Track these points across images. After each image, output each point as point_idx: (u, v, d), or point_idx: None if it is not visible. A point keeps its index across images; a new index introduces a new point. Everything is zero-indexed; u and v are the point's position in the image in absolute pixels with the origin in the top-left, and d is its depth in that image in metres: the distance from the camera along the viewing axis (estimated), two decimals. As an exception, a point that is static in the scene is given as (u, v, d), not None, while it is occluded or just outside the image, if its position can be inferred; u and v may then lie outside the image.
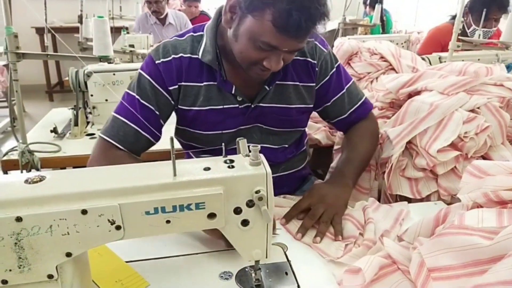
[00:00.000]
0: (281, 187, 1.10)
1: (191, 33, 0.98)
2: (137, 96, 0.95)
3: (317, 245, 0.83)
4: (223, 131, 1.00)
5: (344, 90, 1.08)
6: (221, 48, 0.95)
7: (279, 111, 1.02)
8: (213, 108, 0.98)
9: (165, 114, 0.98)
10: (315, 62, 1.02)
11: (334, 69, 1.06)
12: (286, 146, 1.10)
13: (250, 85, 0.98)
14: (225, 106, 0.98)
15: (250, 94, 0.99)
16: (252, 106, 0.99)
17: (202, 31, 0.98)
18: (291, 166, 1.15)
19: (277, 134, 1.07)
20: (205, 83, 0.96)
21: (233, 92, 0.96)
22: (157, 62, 0.95)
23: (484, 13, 1.91)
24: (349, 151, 1.08)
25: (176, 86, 0.96)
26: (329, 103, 1.08)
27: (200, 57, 0.94)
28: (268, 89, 0.98)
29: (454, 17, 2.43)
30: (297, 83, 1.01)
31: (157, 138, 0.99)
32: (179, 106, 0.98)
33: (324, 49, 1.04)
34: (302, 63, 1.01)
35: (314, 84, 1.04)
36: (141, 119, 0.94)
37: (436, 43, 2.36)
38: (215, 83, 0.96)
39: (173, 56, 0.95)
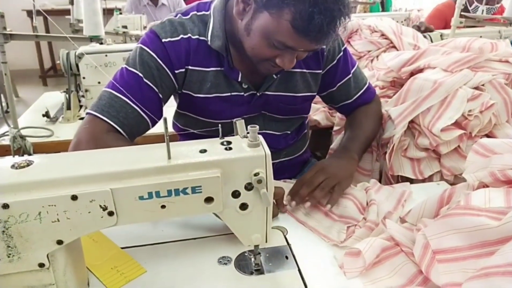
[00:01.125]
0: (282, 173, 1.08)
1: (195, 12, 0.91)
2: (140, 74, 0.86)
3: (318, 229, 0.81)
4: (227, 120, 0.94)
5: (351, 75, 1.05)
6: (229, 33, 0.89)
7: (284, 99, 0.99)
8: (219, 95, 0.93)
9: (166, 97, 0.91)
10: (324, 46, 0.96)
11: (341, 53, 1.02)
12: (289, 132, 1.08)
13: (257, 72, 0.92)
14: (231, 94, 0.94)
15: (256, 81, 0.95)
16: (258, 94, 0.96)
17: (207, 10, 0.91)
18: (293, 152, 1.12)
19: (281, 121, 1.04)
20: (212, 68, 0.91)
21: (239, 79, 0.92)
22: (164, 40, 0.87)
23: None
24: (354, 128, 1.06)
25: (183, 70, 0.89)
26: (334, 88, 1.05)
27: (209, 42, 0.88)
28: (275, 77, 0.95)
29: None
30: (304, 70, 0.98)
31: (154, 123, 0.91)
32: (183, 91, 0.92)
33: None
34: None
35: (320, 71, 1.00)
36: (143, 100, 0.86)
37: (441, 18, 2.31)
38: (222, 69, 0.91)
39: (181, 36, 0.88)
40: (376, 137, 1.14)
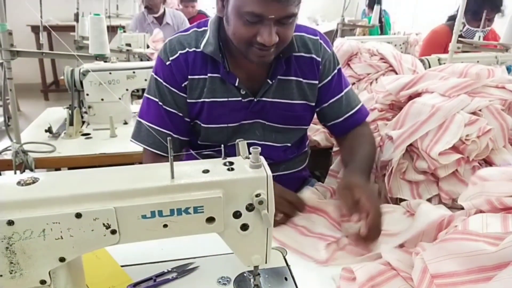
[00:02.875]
0: None
1: (195, 29, 0.99)
2: (160, 102, 0.98)
3: (300, 249, 0.82)
4: (225, 125, 1.00)
5: (343, 93, 1.07)
6: (224, 40, 0.95)
7: (281, 106, 1.01)
8: (217, 100, 0.98)
9: (186, 111, 1.00)
10: (320, 59, 1.01)
11: (336, 71, 1.05)
12: (289, 145, 1.09)
13: (254, 78, 0.98)
14: (228, 99, 0.98)
15: (253, 87, 0.99)
16: (255, 100, 0.99)
17: (206, 26, 0.98)
18: (292, 166, 1.14)
19: (280, 131, 1.06)
20: (209, 74, 0.96)
21: (236, 84, 0.96)
22: (167, 63, 0.96)
23: (484, 14, 1.91)
24: (355, 154, 1.03)
25: (187, 81, 0.97)
26: (326, 104, 1.07)
27: (201, 48, 0.95)
28: (270, 83, 0.98)
29: (450, 19, 2.43)
30: (301, 79, 1.01)
31: (189, 135, 1.04)
32: (188, 100, 0.99)
33: (329, 49, 1.04)
34: (307, 60, 1.00)
35: (317, 82, 1.03)
36: (169, 124, 0.98)
37: (438, 45, 2.35)
38: (219, 75, 0.96)
39: (179, 52, 0.96)
40: (375, 160, 1.14)
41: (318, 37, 1.02)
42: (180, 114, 0.99)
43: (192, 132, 1.07)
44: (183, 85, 0.97)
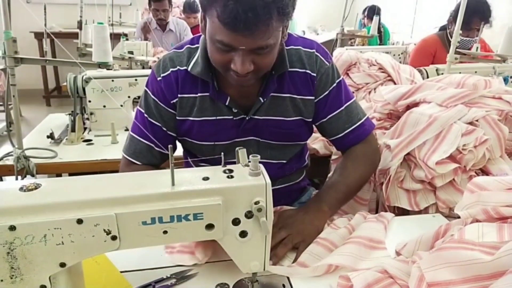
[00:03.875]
0: (277, 200, 1.04)
1: (189, 45, 0.98)
2: (145, 114, 0.98)
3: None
4: (217, 143, 0.99)
5: (343, 108, 1.01)
6: None
7: (275, 123, 0.99)
8: (207, 119, 0.97)
9: (173, 127, 1.00)
10: (315, 74, 0.97)
11: (335, 84, 1.00)
12: (285, 161, 1.07)
13: (245, 96, 0.95)
14: (218, 118, 0.96)
15: (245, 105, 0.97)
16: (247, 118, 0.97)
17: (199, 42, 0.96)
18: (289, 180, 1.12)
19: (276, 148, 1.03)
20: (199, 94, 0.95)
21: (227, 103, 0.95)
22: (158, 78, 0.96)
23: (482, 25, 1.93)
24: (338, 175, 1.02)
25: (177, 99, 0.96)
26: (325, 119, 1.02)
27: (189, 69, 0.94)
28: (262, 101, 0.95)
29: (441, 29, 2.47)
30: (294, 95, 0.97)
31: (172, 149, 0.99)
32: (177, 117, 0.98)
33: (326, 62, 0.98)
34: (301, 75, 0.96)
35: (313, 98, 0.99)
36: (151, 136, 0.97)
37: (428, 54, 2.38)
38: (208, 94, 0.95)
39: (171, 69, 0.96)
40: (367, 180, 1.08)
41: (314, 50, 0.97)
42: (164, 129, 0.98)
43: (185, 148, 1.08)
44: (172, 102, 0.96)
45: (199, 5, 0.83)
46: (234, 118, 0.97)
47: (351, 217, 0.95)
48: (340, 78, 1.02)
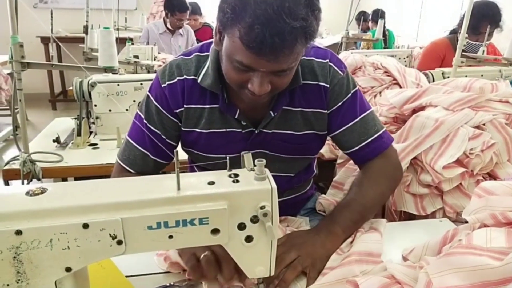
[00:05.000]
0: (285, 210, 0.98)
1: (198, 53, 0.94)
2: (145, 120, 0.95)
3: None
4: (225, 155, 0.95)
5: (358, 119, 0.95)
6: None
7: (284, 137, 0.95)
8: (215, 131, 0.94)
9: (173, 136, 0.96)
10: (328, 85, 0.92)
11: (350, 95, 0.94)
12: (293, 175, 1.04)
13: (256, 109, 0.92)
14: (227, 130, 0.94)
15: (255, 118, 0.94)
16: (256, 131, 0.94)
17: (209, 50, 0.93)
18: (296, 191, 1.10)
19: (284, 161, 1.00)
20: (207, 106, 0.92)
21: (236, 116, 0.92)
22: (163, 85, 0.92)
23: (488, 29, 1.92)
24: (354, 193, 0.94)
25: (182, 109, 0.93)
26: (339, 131, 0.96)
27: (199, 81, 0.90)
28: (273, 115, 0.92)
29: (452, 32, 2.45)
30: (306, 109, 0.94)
31: (169, 159, 0.98)
32: (182, 128, 0.95)
33: (340, 72, 0.93)
34: (314, 88, 0.92)
35: (325, 111, 0.95)
36: (148, 143, 0.95)
37: (437, 57, 2.37)
38: (218, 105, 0.92)
39: (177, 78, 0.92)
40: (382, 201, 1.00)
41: (327, 60, 0.92)
42: (164, 137, 0.95)
43: (190, 158, 1.05)
44: (175, 111, 0.93)
45: (219, 22, 0.78)
46: (243, 131, 0.94)
47: None
48: (356, 89, 0.97)
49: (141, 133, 0.95)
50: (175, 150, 0.59)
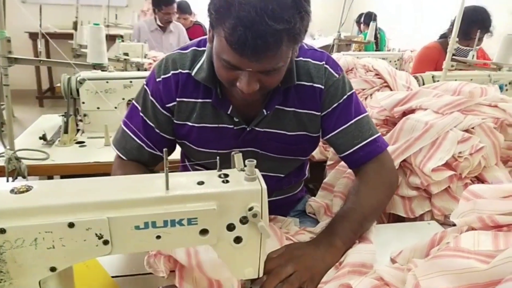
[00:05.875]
0: (274, 210, 0.96)
1: (195, 47, 0.94)
2: (141, 113, 0.96)
3: None
4: (215, 150, 0.96)
5: (352, 122, 0.94)
6: None
7: (276, 137, 0.95)
8: (207, 126, 0.94)
9: (167, 130, 0.97)
10: (323, 87, 0.92)
11: (345, 97, 0.94)
12: (283, 175, 1.04)
13: (249, 106, 0.91)
14: (219, 125, 0.94)
15: (247, 115, 0.93)
16: (248, 129, 0.94)
17: (205, 46, 0.93)
18: (286, 192, 1.10)
19: (275, 160, 1.00)
20: (200, 100, 0.93)
21: (229, 112, 0.92)
22: (158, 79, 0.93)
23: (478, 34, 1.95)
24: (351, 202, 0.91)
25: (175, 103, 0.93)
26: (333, 134, 0.96)
27: (193, 74, 0.91)
28: (266, 113, 0.92)
29: (442, 37, 2.48)
30: (299, 110, 0.94)
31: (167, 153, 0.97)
32: (175, 121, 0.95)
33: (336, 74, 0.93)
34: (308, 89, 0.92)
35: (319, 113, 0.95)
36: (144, 135, 0.96)
37: (430, 61, 2.38)
38: (211, 100, 0.92)
39: (172, 72, 0.92)
40: (379, 207, 0.95)
41: (323, 62, 0.92)
42: (157, 130, 0.95)
43: (183, 151, 1.04)
44: (168, 105, 0.93)
45: (209, 19, 0.78)
46: (235, 128, 0.94)
47: None
48: (352, 92, 0.96)
49: (137, 125, 0.96)
50: (164, 150, 0.58)
